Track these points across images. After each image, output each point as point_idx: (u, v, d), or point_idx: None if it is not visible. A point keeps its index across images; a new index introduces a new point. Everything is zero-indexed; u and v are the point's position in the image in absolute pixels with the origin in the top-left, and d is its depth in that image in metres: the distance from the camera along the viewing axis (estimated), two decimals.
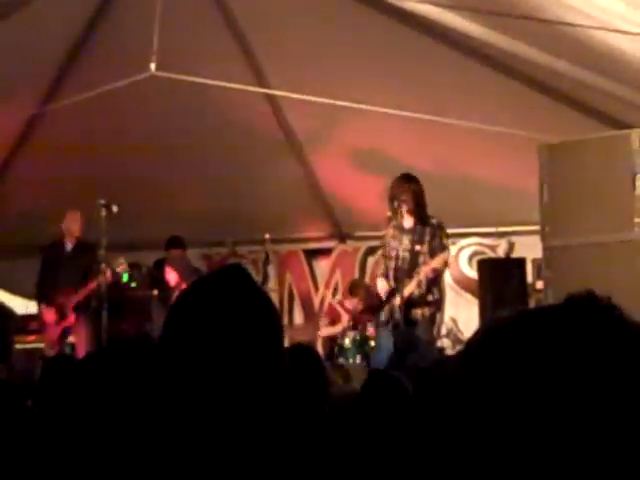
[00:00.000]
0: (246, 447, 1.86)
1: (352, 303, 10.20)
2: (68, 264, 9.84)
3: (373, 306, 8.98)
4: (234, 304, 1.97)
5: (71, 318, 9.69)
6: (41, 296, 9.94)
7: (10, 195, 11.19)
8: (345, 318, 10.34)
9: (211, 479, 1.83)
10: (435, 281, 8.25)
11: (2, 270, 10.97)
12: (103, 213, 9.51)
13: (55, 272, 9.91)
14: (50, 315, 9.71)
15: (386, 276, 8.36)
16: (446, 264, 8.30)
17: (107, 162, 10.63)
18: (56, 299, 9.77)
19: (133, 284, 11.33)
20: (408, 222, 8.21)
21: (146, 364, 2.46)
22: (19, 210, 11.18)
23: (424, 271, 8.01)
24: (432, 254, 8.08)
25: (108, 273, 9.58)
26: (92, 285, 9.66)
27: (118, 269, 9.84)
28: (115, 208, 9.51)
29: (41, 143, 10.79)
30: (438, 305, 8.33)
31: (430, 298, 8.17)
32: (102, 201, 9.51)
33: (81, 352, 9.38)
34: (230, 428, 1.88)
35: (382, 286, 8.34)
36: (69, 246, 10.00)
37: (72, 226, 9.94)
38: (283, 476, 1.85)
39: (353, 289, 10.43)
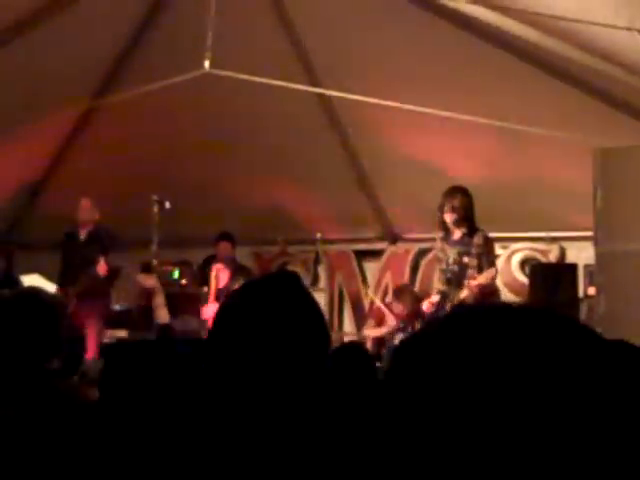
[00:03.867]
0: (283, 445, 1.87)
1: (398, 308, 10.16)
2: (81, 253, 9.83)
3: (418, 312, 8.98)
4: (284, 309, 1.98)
5: (72, 305, 9.51)
6: (60, 286, 9.93)
7: (64, 190, 11.30)
8: (391, 320, 10.31)
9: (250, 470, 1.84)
10: (485, 297, 8.23)
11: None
12: (156, 209, 9.58)
13: (71, 262, 9.92)
14: None
15: (438, 290, 8.43)
16: (493, 280, 8.27)
17: (160, 159, 10.71)
18: (64, 288, 9.77)
19: (183, 281, 11.41)
20: (456, 234, 8.21)
21: (193, 363, 2.47)
22: (74, 205, 11.29)
23: (471, 285, 8.00)
24: (480, 269, 8.07)
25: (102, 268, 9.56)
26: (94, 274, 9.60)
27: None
28: (168, 204, 9.59)
29: (95, 139, 10.90)
30: None
31: None
32: (155, 197, 9.58)
33: (90, 341, 9.36)
34: (269, 429, 1.89)
35: (430, 302, 8.40)
36: (82, 235, 10.05)
37: (82, 215, 10.01)
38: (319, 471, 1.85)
39: (399, 294, 10.40)
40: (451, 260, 8.20)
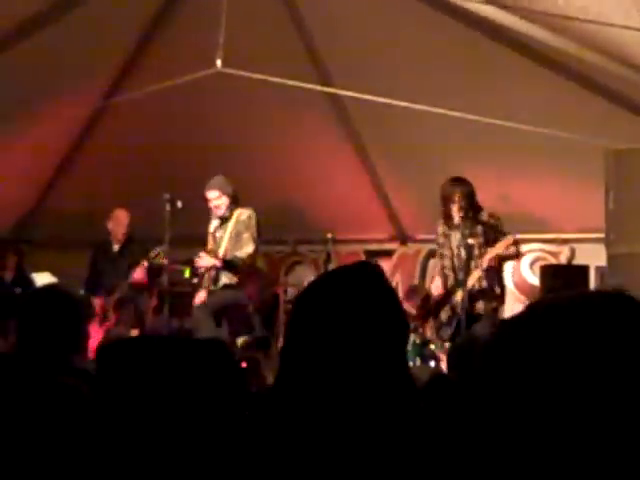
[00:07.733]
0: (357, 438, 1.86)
1: (408, 307, 10.16)
2: (114, 265, 10.22)
3: (428, 311, 8.97)
4: (364, 301, 1.94)
5: (112, 319, 9.87)
6: (87, 291, 10.14)
7: (75, 188, 11.31)
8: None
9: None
10: (498, 274, 8.17)
11: (68, 263, 11.04)
12: (168, 208, 9.55)
13: (102, 273, 10.28)
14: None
15: (442, 275, 8.34)
16: (508, 249, 8.10)
17: (172, 157, 10.71)
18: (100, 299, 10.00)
19: (194, 280, 11.39)
20: (458, 219, 8.16)
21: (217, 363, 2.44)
22: (84, 203, 11.31)
23: (487, 259, 7.93)
24: (488, 243, 8.00)
25: (144, 264, 9.82)
26: (130, 280, 9.95)
27: (153, 260, 9.89)
28: (180, 203, 9.55)
29: (106, 137, 10.90)
30: (501, 299, 8.25)
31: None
32: (167, 196, 9.55)
33: None
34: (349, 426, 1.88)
35: (436, 285, 8.32)
36: (116, 247, 10.37)
37: (117, 228, 10.31)
38: None
39: (410, 294, 10.40)
40: (455, 244, 8.15)
